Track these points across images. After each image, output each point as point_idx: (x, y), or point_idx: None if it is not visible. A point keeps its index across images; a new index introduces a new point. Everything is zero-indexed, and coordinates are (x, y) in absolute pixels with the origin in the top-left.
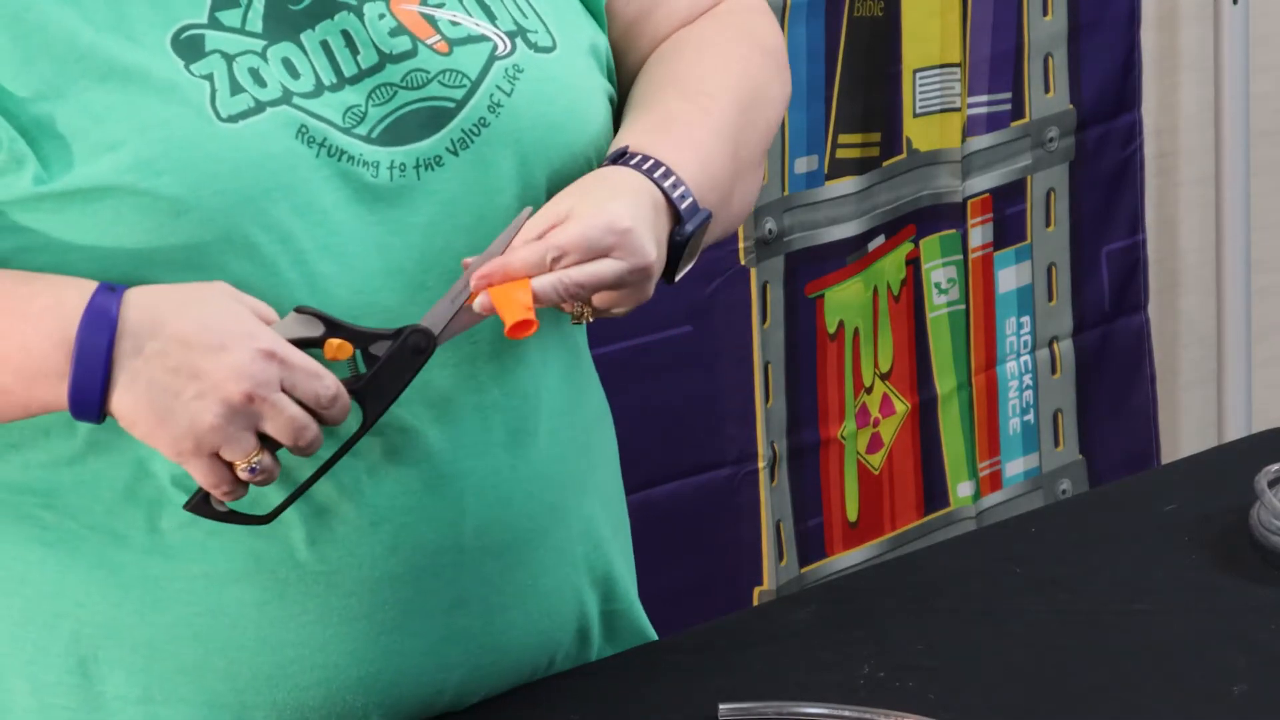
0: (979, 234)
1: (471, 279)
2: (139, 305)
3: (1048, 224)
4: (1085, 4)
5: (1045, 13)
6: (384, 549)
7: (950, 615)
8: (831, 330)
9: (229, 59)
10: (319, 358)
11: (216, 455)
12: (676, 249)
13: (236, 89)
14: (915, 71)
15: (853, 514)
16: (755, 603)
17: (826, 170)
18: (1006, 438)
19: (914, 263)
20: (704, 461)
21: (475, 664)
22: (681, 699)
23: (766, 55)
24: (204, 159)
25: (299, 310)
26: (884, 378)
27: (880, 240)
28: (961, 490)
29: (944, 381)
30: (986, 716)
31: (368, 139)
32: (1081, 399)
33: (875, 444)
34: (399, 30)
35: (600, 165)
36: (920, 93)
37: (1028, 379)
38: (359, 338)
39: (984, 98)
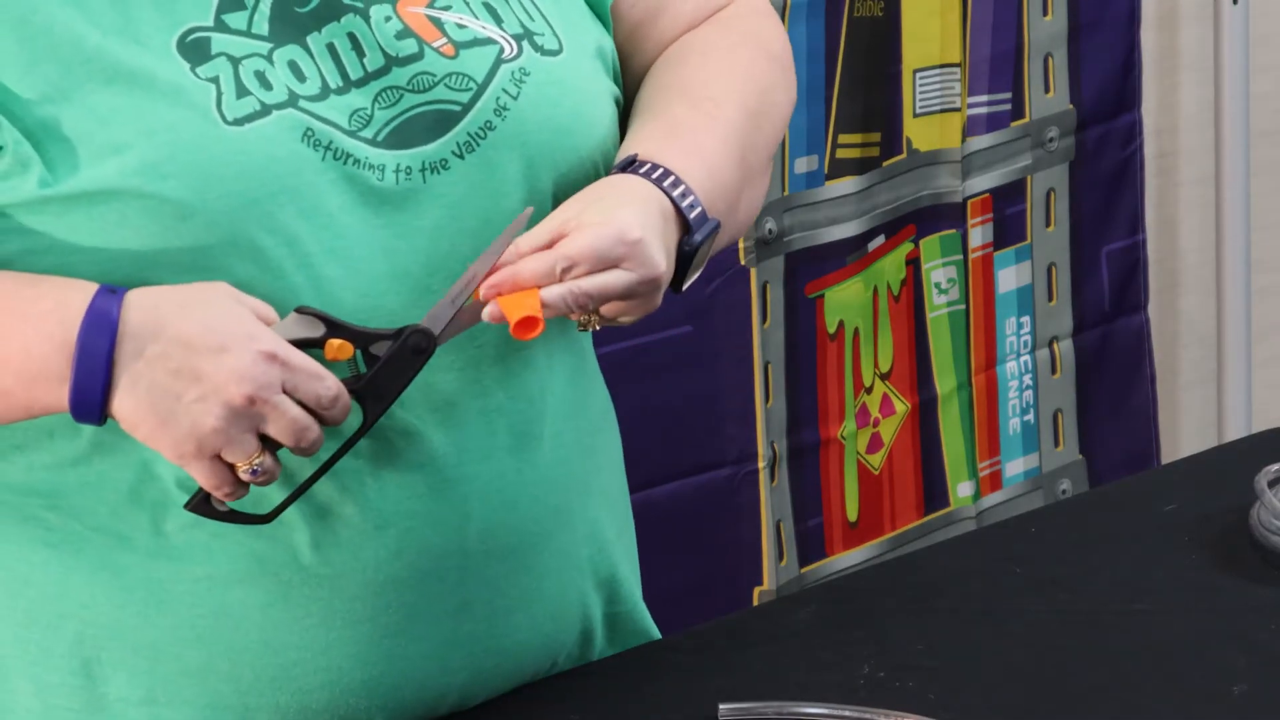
0: (979, 234)
1: (481, 289)
2: (140, 307)
3: (1048, 224)
4: (1085, 4)
5: (1045, 13)
6: (388, 552)
7: (950, 615)
8: (831, 330)
9: (235, 62)
10: (320, 358)
11: (218, 457)
12: (684, 259)
13: (242, 92)
14: (915, 71)
15: (853, 514)
16: (755, 603)
17: (826, 170)
18: (1006, 438)
19: (914, 263)
20: (704, 461)
21: (479, 667)
22: (681, 699)
23: (772, 60)
24: (210, 162)
25: (300, 310)
26: (884, 378)
27: (880, 240)
28: (961, 490)
29: (944, 381)
30: (986, 716)
31: (373, 142)
32: (1081, 399)
33: (875, 444)
34: (405, 33)
35: (609, 173)
36: (920, 93)
37: (1028, 379)
38: (360, 338)
39: (984, 98)
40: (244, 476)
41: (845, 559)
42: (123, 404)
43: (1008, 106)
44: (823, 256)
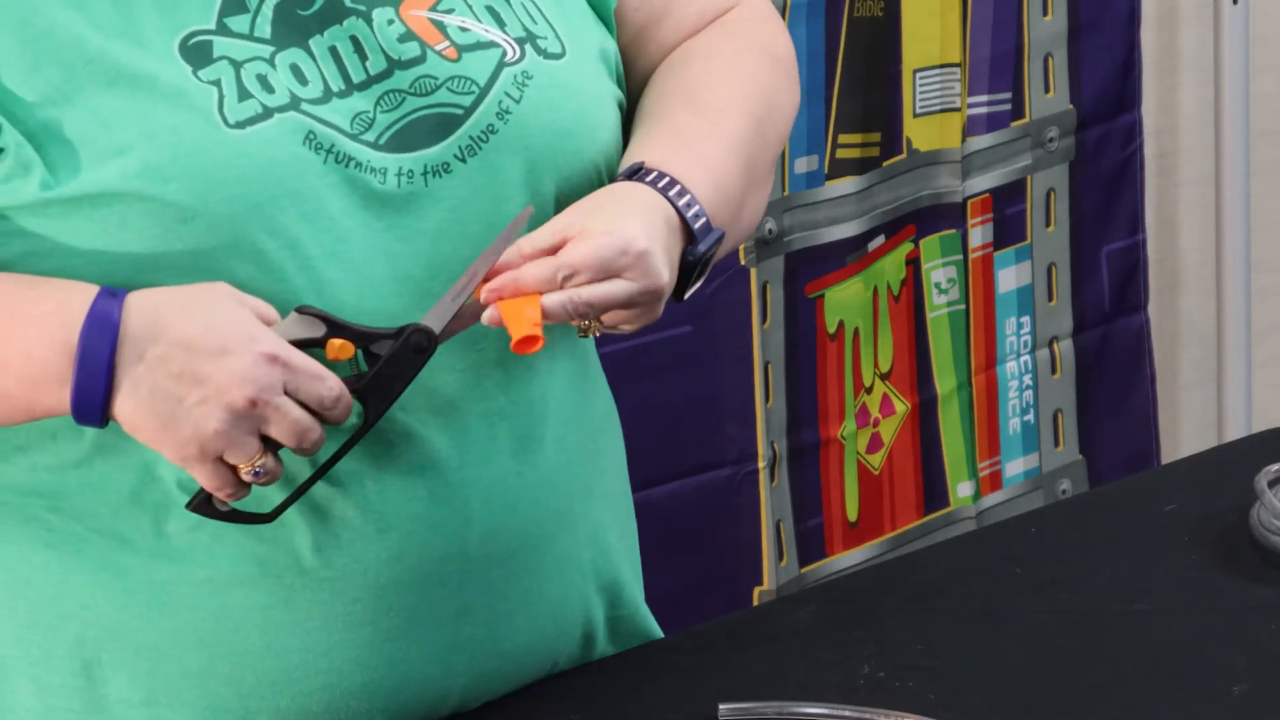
0: (979, 234)
1: (482, 292)
2: (141, 309)
3: (1048, 224)
4: (1085, 4)
5: (1045, 13)
6: (389, 556)
7: (950, 615)
8: (831, 330)
9: (237, 65)
10: (320, 358)
11: (220, 459)
12: (688, 268)
13: (244, 95)
14: (915, 71)
15: (853, 514)
16: (755, 603)
17: (826, 170)
18: (1006, 438)
19: (914, 263)
20: (704, 461)
21: (480, 671)
22: (681, 699)
23: (776, 64)
24: (211, 165)
25: (300, 310)
26: (884, 378)
27: (880, 240)
28: (961, 490)
29: (944, 381)
30: (986, 716)
31: (376, 145)
32: (1081, 399)
33: (875, 444)
34: (408, 36)
35: (615, 179)
36: (920, 93)
37: (1028, 379)
38: (360, 337)
39: (984, 98)
40: (246, 478)
41: (845, 559)
42: (124, 407)
43: (1008, 106)
44: (823, 256)
